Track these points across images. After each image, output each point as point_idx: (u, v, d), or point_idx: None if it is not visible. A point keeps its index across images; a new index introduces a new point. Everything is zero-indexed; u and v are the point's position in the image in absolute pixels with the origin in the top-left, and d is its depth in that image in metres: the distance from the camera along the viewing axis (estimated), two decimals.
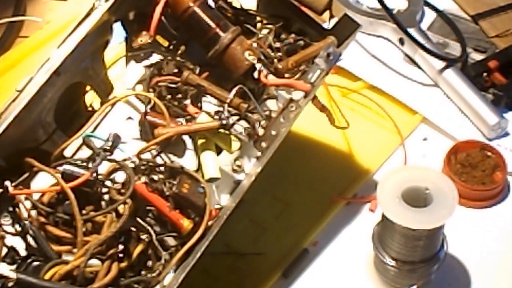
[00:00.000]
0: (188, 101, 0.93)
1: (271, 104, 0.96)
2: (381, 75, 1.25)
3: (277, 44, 0.98)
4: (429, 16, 1.32)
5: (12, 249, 0.83)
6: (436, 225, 0.89)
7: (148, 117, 0.91)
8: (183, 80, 0.92)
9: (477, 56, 1.25)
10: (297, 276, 1.03)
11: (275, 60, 0.95)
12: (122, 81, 0.96)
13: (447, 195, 0.90)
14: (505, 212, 1.09)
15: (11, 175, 0.84)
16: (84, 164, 0.84)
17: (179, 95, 0.93)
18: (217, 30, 0.92)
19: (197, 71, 0.94)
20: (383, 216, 0.93)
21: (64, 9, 1.42)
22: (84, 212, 0.83)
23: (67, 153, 0.89)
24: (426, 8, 1.32)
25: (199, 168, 0.92)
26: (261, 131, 0.92)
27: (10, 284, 0.76)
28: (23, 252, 0.83)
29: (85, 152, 0.88)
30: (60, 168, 0.83)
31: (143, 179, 0.86)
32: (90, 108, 1.00)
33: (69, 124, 0.92)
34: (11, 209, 0.84)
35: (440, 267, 0.96)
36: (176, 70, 0.93)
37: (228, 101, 0.91)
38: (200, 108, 0.93)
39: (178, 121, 0.92)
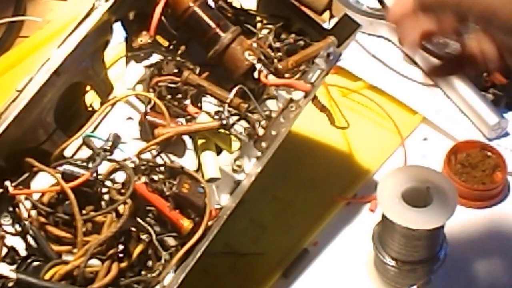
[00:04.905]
0: (188, 101, 0.92)
1: (271, 104, 0.96)
2: (381, 75, 1.25)
3: (277, 44, 0.97)
4: None
5: (12, 249, 0.83)
6: (436, 225, 0.89)
7: (148, 117, 0.91)
8: (183, 80, 0.92)
9: None
10: (297, 276, 1.03)
11: (275, 60, 0.95)
12: (122, 81, 0.96)
13: (447, 195, 0.90)
14: (505, 212, 1.09)
15: (11, 175, 0.84)
16: (84, 164, 0.84)
17: (179, 95, 0.93)
18: (217, 30, 0.92)
19: (197, 71, 0.94)
20: (383, 216, 0.93)
21: (64, 9, 1.42)
22: (84, 212, 0.83)
23: (67, 153, 0.89)
24: None
25: (199, 168, 0.91)
26: (261, 131, 0.92)
27: (10, 284, 0.76)
28: (23, 252, 0.83)
29: (85, 152, 0.88)
30: (60, 168, 0.83)
31: (143, 179, 0.86)
32: (90, 108, 0.99)
33: (69, 124, 0.92)
34: (11, 209, 0.84)
35: (440, 267, 0.96)
36: (176, 70, 0.93)
37: (228, 101, 0.91)
38: (200, 108, 0.93)
39: (178, 121, 0.92)
